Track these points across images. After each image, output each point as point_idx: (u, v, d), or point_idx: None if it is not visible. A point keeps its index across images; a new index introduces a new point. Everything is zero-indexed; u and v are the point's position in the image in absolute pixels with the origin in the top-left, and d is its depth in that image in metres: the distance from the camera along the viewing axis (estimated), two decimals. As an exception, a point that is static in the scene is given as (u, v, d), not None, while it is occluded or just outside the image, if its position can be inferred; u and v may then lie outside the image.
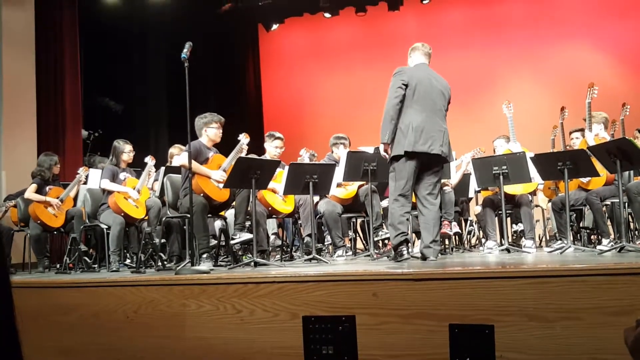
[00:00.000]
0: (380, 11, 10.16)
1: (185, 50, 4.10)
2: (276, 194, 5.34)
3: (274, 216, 5.54)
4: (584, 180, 5.09)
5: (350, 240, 6.15)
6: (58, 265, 5.83)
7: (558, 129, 6.12)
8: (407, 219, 4.26)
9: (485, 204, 5.79)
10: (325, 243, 6.19)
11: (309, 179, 4.76)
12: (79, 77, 8.30)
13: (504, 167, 4.99)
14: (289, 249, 5.98)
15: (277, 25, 10.98)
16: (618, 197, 4.43)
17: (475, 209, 7.10)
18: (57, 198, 5.87)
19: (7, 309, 0.85)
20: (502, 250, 5.10)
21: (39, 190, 5.87)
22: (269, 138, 5.65)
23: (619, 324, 2.34)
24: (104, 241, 5.36)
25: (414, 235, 5.57)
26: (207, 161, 4.91)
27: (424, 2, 10.03)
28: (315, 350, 2.88)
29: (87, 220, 5.67)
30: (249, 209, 5.10)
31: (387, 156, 4.30)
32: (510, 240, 5.83)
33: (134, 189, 5.45)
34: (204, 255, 4.57)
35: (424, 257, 4.17)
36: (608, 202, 5.02)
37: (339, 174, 5.13)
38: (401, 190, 4.17)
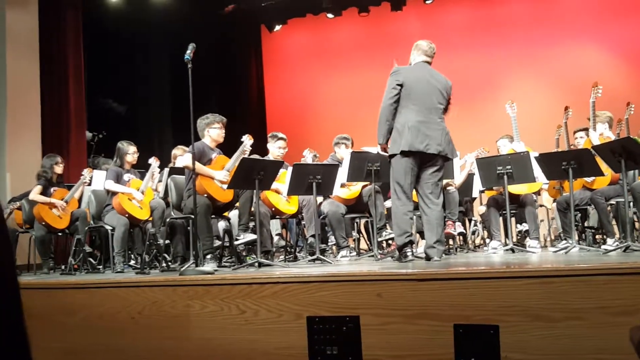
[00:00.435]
0: (383, 11, 10.16)
1: (188, 51, 4.10)
2: (280, 194, 5.34)
3: (277, 217, 5.54)
4: (589, 179, 5.08)
5: (354, 240, 6.15)
6: (63, 267, 5.85)
7: (562, 129, 6.10)
8: (411, 218, 4.25)
9: (490, 203, 5.78)
10: (329, 243, 6.19)
11: (313, 179, 4.76)
12: (83, 79, 8.32)
13: (508, 166, 4.98)
14: (292, 250, 5.98)
15: (280, 26, 10.99)
16: (623, 196, 4.42)
17: (479, 209, 7.09)
18: (62, 199, 5.89)
19: (16, 311, 0.85)
20: (507, 250, 5.09)
21: (44, 192, 5.89)
22: (272, 139, 5.65)
23: (624, 324, 2.33)
24: (109, 242, 5.37)
25: (417, 235, 5.56)
26: (211, 162, 4.91)
27: (427, 2, 10.02)
28: (319, 350, 2.88)
29: (91, 222, 5.69)
30: (252, 209, 5.10)
31: (386, 154, 4.33)
32: (514, 240, 5.81)
33: (138, 190, 5.46)
34: (208, 256, 4.57)
35: (428, 258, 4.16)
36: (613, 201, 5.01)
37: (342, 174, 5.13)
38: (401, 189, 4.17)
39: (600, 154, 4.50)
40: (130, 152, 5.63)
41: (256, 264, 4.36)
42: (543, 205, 6.81)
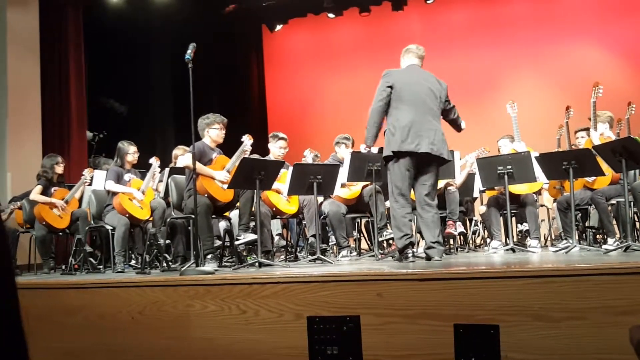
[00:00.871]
0: (384, 11, 10.15)
1: (189, 51, 4.10)
2: (280, 194, 5.34)
3: (278, 217, 5.54)
4: (589, 179, 5.07)
5: (354, 240, 6.15)
6: (63, 267, 5.85)
7: (563, 129, 6.10)
8: (410, 220, 4.25)
9: (490, 203, 5.77)
10: (330, 243, 6.19)
11: (313, 179, 4.76)
12: (84, 78, 8.33)
13: (509, 166, 4.98)
14: (293, 250, 5.98)
15: (281, 26, 10.99)
16: (624, 196, 4.41)
17: (480, 208, 7.09)
18: (62, 199, 5.89)
19: (14, 310, 0.85)
20: (507, 250, 5.09)
21: (44, 192, 5.90)
22: (273, 139, 5.65)
23: (625, 323, 2.33)
24: (109, 242, 5.38)
25: (418, 235, 5.56)
26: (211, 162, 4.91)
27: (428, 2, 10.01)
28: (319, 350, 2.88)
29: (92, 222, 5.69)
30: (253, 209, 5.10)
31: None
32: (515, 240, 5.81)
33: (138, 190, 5.47)
34: (209, 256, 4.57)
35: (428, 258, 4.16)
36: (613, 201, 5.00)
37: (343, 174, 5.13)
38: (398, 190, 4.16)
39: (601, 153, 4.49)
40: (131, 152, 5.63)
41: (257, 264, 4.36)
42: (544, 205, 6.80)
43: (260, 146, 5.89)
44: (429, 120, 4.22)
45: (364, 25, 10.53)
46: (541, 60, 9.66)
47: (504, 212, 5.51)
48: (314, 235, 5.25)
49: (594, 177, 5.02)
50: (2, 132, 7.28)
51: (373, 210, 5.18)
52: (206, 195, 4.70)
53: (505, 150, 5.92)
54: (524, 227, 6.24)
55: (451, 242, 5.88)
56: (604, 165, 4.59)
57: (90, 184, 6.11)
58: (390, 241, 5.64)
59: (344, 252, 5.36)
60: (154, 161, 5.77)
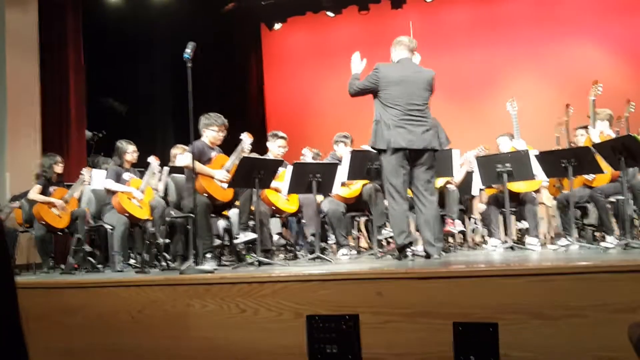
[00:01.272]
0: (383, 9, 10.14)
1: (188, 50, 4.09)
2: (280, 193, 5.34)
3: (277, 215, 5.54)
4: (589, 177, 5.07)
5: (354, 239, 6.15)
6: (62, 266, 5.84)
7: (563, 127, 6.10)
8: (407, 217, 4.24)
9: (490, 201, 5.77)
10: (329, 242, 6.19)
11: (313, 178, 4.76)
12: (83, 78, 8.31)
13: (508, 164, 4.98)
14: (292, 248, 5.98)
15: (280, 24, 10.98)
16: (623, 194, 4.42)
17: (479, 206, 7.08)
18: (61, 199, 5.88)
19: (13, 311, 0.85)
20: (507, 248, 5.09)
21: (43, 191, 5.89)
22: (272, 137, 5.65)
23: (624, 321, 2.32)
24: (108, 241, 5.37)
25: (417, 233, 5.56)
26: (210, 161, 4.91)
27: (427, 0, 10.01)
28: (319, 349, 2.88)
29: (91, 221, 5.69)
30: (252, 208, 5.10)
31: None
32: (514, 238, 5.81)
33: (137, 189, 5.46)
34: (208, 255, 4.58)
35: (427, 256, 4.16)
36: (613, 199, 5.01)
37: (342, 173, 5.12)
38: (394, 189, 4.15)
39: (600, 151, 4.50)
40: (130, 151, 5.63)
41: (256, 263, 4.36)
42: (543, 203, 6.80)
43: (259, 145, 5.89)
44: (419, 117, 4.21)
45: (363, 23, 10.52)
46: (541, 59, 9.65)
47: (503, 210, 5.51)
48: (313, 234, 5.25)
49: (593, 175, 5.02)
50: (1, 132, 7.27)
51: (372, 209, 5.18)
52: (205, 194, 4.70)
53: (504, 147, 5.92)
54: (523, 225, 6.24)
55: (450, 240, 5.88)
56: (603, 163, 4.59)
57: (89, 184, 6.11)
58: (390, 239, 5.64)
59: (343, 251, 5.36)
60: (153, 160, 5.76)
